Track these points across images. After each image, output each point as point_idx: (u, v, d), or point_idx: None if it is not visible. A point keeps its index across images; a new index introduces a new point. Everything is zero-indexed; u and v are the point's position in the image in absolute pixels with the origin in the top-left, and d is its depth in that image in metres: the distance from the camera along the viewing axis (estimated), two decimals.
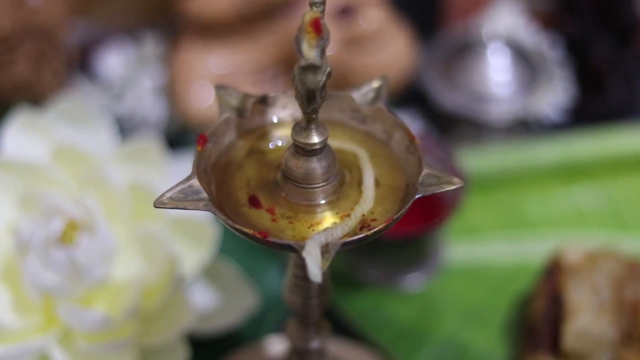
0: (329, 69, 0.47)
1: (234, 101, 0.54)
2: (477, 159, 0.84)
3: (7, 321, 0.66)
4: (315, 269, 0.46)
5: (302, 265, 0.53)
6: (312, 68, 0.46)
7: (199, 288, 0.71)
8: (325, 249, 0.47)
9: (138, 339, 0.66)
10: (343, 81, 0.84)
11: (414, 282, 0.78)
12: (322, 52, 0.46)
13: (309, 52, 0.45)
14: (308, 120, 0.49)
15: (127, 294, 0.66)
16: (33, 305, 0.66)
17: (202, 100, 0.85)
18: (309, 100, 0.47)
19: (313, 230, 0.49)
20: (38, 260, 0.65)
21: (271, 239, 0.48)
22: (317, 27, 0.45)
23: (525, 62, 0.92)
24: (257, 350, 0.70)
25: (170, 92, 0.86)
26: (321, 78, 0.46)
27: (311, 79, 0.46)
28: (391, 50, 0.87)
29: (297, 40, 0.45)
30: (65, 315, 0.64)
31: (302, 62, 0.46)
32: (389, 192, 0.52)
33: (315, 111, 0.48)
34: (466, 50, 0.93)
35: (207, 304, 0.71)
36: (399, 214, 0.49)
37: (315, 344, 0.60)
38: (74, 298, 0.66)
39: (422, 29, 0.93)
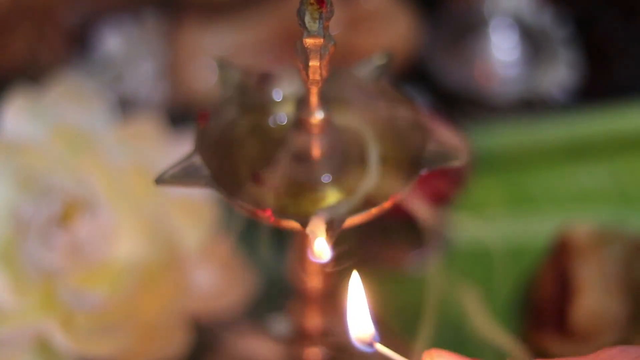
0: (332, 42, 0.46)
1: (236, 77, 0.54)
2: (482, 138, 0.83)
3: (6, 303, 0.65)
4: (319, 246, 0.46)
5: (305, 243, 0.52)
6: (315, 41, 0.45)
7: (201, 268, 0.71)
8: (329, 226, 0.46)
9: (139, 319, 0.66)
10: (346, 62, 0.83)
11: (418, 261, 0.77)
12: (326, 25, 0.45)
13: (312, 25, 0.45)
14: (311, 96, 0.49)
15: (128, 274, 0.66)
16: (33, 287, 0.66)
17: (205, 80, 0.84)
18: (313, 74, 0.47)
19: (317, 207, 0.49)
20: (38, 241, 0.65)
21: (275, 216, 0.47)
22: None
23: (531, 40, 0.91)
24: (259, 330, 0.70)
25: (172, 72, 0.86)
26: (324, 51, 0.46)
27: (314, 52, 0.46)
28: (394, 30, 0.87)
29: (300, 13, 0.45)
30: (66, 296, 0.64)
31: (305, 35, 0.45)
32: (394, 168, 0.51)
33: (319, 86, 0.48)
34: (470, 29, 0.92)
35: (209, 285, 0.70)
36: (404, 190, 0.48)
37: (317, 322, 0.59)
38: (74, 278, 0.65)
39: (426, 8, 0.92)
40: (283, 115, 0.54)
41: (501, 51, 0.90)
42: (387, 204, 0.48)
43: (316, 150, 0.50)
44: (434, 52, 0.90)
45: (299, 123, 0.50)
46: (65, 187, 0.66)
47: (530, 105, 0.89)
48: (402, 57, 0.87)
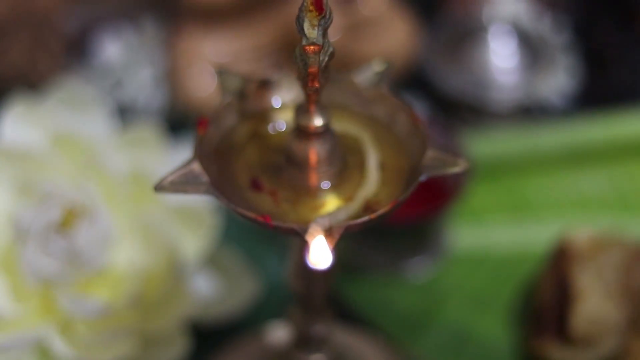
0: (331, 49, 0.46)
1: (235, 84, 0.54)
2: (481, 145, 0.83)
3: (5, 309, 0.65)
4: (318, 252, 0.45)
5: (305, 250, 0.52)
6: (314, 48, 0.45)
7: (201, 275, 0.71)
8: (328, 232, 0.46)
9: (139, 327, 0.66)
10: (345, 68, 0.83)
11: (417, 268, 0.77)
12: (324, 32, 0.45)
13: (311, 32, 0.45)
14: (310, 102, 0.49)
15: (128, 281, 0.66)
16: (32, 294, 0.66)
17: (204, 88, 0.84)
18: (311, 81, 0.47)
19: (316, 213, 0.49)
20: (37, 247, 0.65)
21: (274, 222, 0.47)
22: (319, 5, 0.44)
23: (529, 47, 0.91)
24: (259, 337, 0.70)
25: (171, 78, 0.86)
26: (323, 58, 0.46)
27: (313, 59, 0.46)
28: (393, 36, 0.87)
29: (299, 20, 0.45)
30: (65, 303, 0.64)
31: (304, 42, 0.45)
32: (393, 175, 0.51)
33: (318, 92, 0.48)
34: (469, 35, 0.92)
35: (209, 292, 0.70)
36: (403, 197, 0.48)
37: (318, 328, 0.59)
38: (74, 285, 0.65)
39: (424, 15, 0.92)
40: (282, 122, 0.54)
41: (500, 58, 0.90)
42: (386, 211, 0.48)
43: (315, 157, 0.50)
44: (432, 58, 0.90)
45: (298, 130, 0.49)
46: (64, 194, 0.66)
47: (529, 112, 0.89)
48: (401, 64, 0.87)
